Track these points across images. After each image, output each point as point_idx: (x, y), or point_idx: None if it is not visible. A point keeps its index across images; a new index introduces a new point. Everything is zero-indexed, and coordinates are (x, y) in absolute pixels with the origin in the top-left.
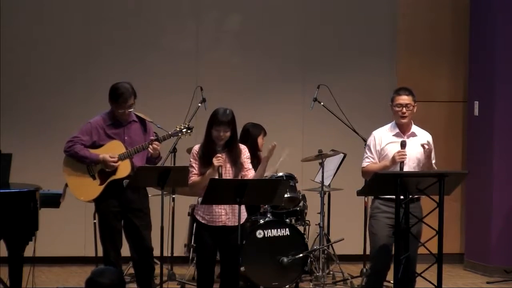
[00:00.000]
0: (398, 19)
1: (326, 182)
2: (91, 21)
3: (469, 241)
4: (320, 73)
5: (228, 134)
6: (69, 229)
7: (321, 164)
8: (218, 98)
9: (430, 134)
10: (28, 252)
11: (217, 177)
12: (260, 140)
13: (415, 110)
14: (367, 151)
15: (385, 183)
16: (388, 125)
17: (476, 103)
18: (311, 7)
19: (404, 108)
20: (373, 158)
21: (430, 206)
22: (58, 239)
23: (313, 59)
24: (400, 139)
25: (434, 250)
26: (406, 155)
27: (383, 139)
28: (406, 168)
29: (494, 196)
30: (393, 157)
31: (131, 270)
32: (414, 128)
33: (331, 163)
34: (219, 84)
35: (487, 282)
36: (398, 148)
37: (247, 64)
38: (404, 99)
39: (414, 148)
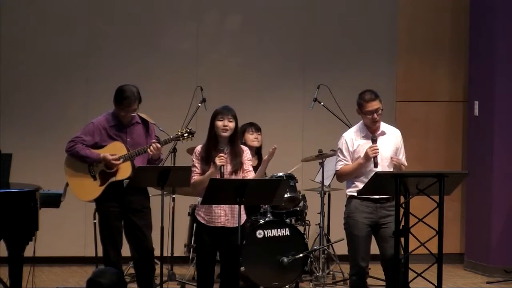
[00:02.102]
0: (398, 19)
1: (326, 182)
2: (91, 21)
3: (469, 241)
4: (320, 73)
5: (232, 125)
6: (69, 229)
7: (321, 164)
8: (218, 98)
9: (432, 133)
10: (28, 252)
11: (218, 176)
12: (247, 136)
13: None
14: (339, 154)
15: (385, 183)
16: (357, 127)
17: (476, 103)
18: (311, 7)
19: (375, 114)
20: (347, 160)
21: (430, 206)
22: (58, 239)
23: (313, 59)
24: (370, 140)
25: (434, 250)
26: (378, 149)
27: (354, 142)
28: (379, 168)
29: (494, 196)
30: (366, 153)
31: (131, 270)
32: (383, 127)
33: (331, 163)
34: (219, 84)
35: (487, 282)
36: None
37: (247, 64)
38: (373, 105)
39: (386, 147)
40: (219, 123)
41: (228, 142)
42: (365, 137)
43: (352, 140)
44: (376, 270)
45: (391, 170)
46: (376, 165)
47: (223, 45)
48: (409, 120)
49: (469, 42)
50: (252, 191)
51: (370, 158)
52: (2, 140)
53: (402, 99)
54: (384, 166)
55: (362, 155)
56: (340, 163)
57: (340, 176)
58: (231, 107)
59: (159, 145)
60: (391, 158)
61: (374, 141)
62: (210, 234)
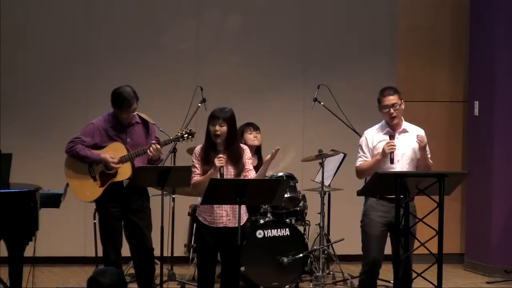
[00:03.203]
0: (398, 19)
1: (326, 182)
2: (91, 21)
3: (469, 241)
4: (320, 73)
5: (224, 129)
6: (69, 229)
7: (321, 164)
8: (218, 98)
9: (431, 133)
10: (28, 252)
11: (218, 177)
12: (247, 136)
13: (403, 107)
14: (359, 150)
15: (385, 183)
16: (378, 125)
17: (476, 103)
18: (311, 6)
19: (391, 109)
20: (366, 157)
21: (430, 206)
22: (58, 239)
23: (313, 58)
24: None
25: (434, 250)
26: (395, 145)
27: (375, 138)
28: (399, 165)
29: (494, 196)
30: (383, 149)
31: (131, 270)
32: (405, 125)
33: (331, 163)
34: (219, 84)
35: (487, 282)
36: None
37: (247, 64)
38: (390, 99)
39: (407, 144)
40: (211, 128)
41: (225, 145)
42: (386, 134)
43: (373, 137)
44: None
45: (411, 168)
46: (392, 161)
47: (223, 45)
48: (409, 120)
49: (469, 42)
50: (252, 191)
51: (387, 153)
52: (2, 140)
53: (402, 99)
54: (404, 163)
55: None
56: (360, 159)
57: (359, 172)
58: (227, 110)
59: (158, 146)
60: (417, 136)
61: (391, 137)
62: (212, 235)
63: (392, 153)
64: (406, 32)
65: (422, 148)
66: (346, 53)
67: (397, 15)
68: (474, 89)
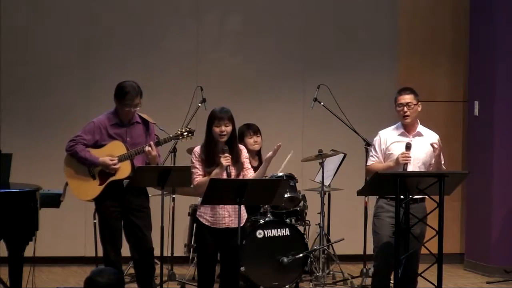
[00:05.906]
0: (398, 19)
1: (326, 182)
2: (91, 21)
3: (469, 241)
4: (320, 73)
5: (230, 128)
6: (69, 229)
7: (321, 164)
8: (218, 98)
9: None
10: (28, 252)
11: (225, 176)
12: (247, 140)
13: (419, 109)
14: (372, 150)
15: (386, 183)
16: (394, 125)
17: (476, 103)
18: (311, 6)
19: (405, 107)
20: (378, 157)
21: (430, 206)
22: (58, 239)
23: (313, 58)
24: (405, 138)
25: (434, 250)
26: (410, 157)
27: (388, 139)
28: (410, 168)
29: (494, 196)
30: (397, 159)
31: (131, 270)
32: (420, 128)
33: (331, 163)
34: (219, 84)
35: (487, 282)
36: (403, 147)
37: (247, 64)
38: (405, 98)
39: (420, 148)
40: (216, 129)
41: (228, 145)
42: (401, 135)
43: (386, 137)
44: None
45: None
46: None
47: (223, 45)
48: None
49: (469, 42)
50: (252, 191)
51: (401, 164)
52: (2, 140)
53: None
54: (415, 166)
55: (394, 153)
56: (372, 159)
57: (368, 172)
58: (227, 109)
59: (150, 148)
60: (431, 144)
61: (408, 148)
62: (213, 236)
63: (406, 164)
64: (406, 32)
65: (437, 155)
66: (346, 53)
67: (398, 15)
68: (474, 89)
